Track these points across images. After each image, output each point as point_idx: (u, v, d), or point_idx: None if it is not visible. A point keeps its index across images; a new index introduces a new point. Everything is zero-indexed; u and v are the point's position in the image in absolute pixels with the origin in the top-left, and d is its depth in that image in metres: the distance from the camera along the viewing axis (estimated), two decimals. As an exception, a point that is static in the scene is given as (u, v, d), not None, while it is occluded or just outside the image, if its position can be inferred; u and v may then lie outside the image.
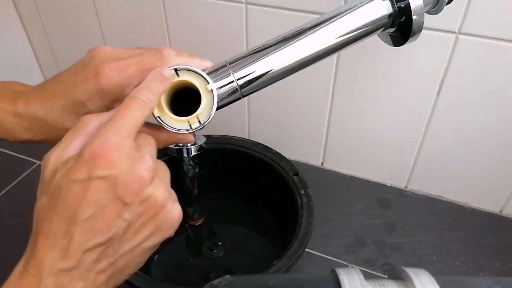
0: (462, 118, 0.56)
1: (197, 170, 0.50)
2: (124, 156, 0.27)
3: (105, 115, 0.30)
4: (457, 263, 0.55)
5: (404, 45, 0.52)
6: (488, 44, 0.49)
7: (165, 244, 0.58)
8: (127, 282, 0.41)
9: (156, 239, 0.30)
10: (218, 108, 0.36)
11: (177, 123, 0.34)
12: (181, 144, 0.46)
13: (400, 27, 0.41)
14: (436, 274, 0.21)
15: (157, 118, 0.34)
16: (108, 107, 0.35)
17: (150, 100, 0.30)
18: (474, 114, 0.55)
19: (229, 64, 0.36)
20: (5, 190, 0.67)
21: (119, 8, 0.67)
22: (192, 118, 0.34)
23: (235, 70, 0.36)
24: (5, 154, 0.73)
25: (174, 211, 0.30)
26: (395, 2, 0.38)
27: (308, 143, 0.69)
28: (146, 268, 0.54)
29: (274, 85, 0.64)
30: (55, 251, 0.26)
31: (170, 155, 0.55)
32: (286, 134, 0.69)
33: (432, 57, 0.52)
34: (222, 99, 0.36)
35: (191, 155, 0.47)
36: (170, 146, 0.47)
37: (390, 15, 0.39)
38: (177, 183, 0.58)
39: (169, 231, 0.31)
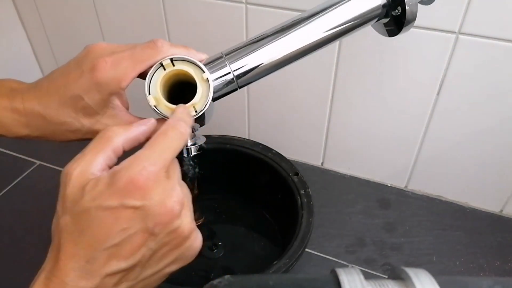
0: (462, 118, 0.56)
1: (197, 170, 0.50)
2: (158, 187, 0.27)
3: (132, 130, 0.31)
4: (457, 263, 0.55)
5: (404, 45, 0.53)
6: (488, 44, 0.49)
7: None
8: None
9: (176, 266, 0.31)
10: (215, 99, 0.36)
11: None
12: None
13: (394, 18, 0.41)
14: (436, 274, 0.21)
15: (153, 107, 0.34)
16: (105, 101, 0.35)
17: (187, 132, 0.31)
18: (474, 114, 0.55)
19: (225, 55, 0.36)
20: (5, 190, 0.67)
21: (119, 8, 0.67)
22: (188, 106, 0.34)
23: (231, 61, 0.36)
24: (5, 154, 0.73)
25: (197, 241, 0.31)
26: None
27: (308, 143, 0.69)
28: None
29: (274, 85, 0.64)
30: (77, 273, 0.26)
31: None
32: (286, 134, 0.69)
33: (432, 57, 0.52)
34: (219, 90, 0.36)
35: (191, 155, 0.47)
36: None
37: (384, 5, 0.39)
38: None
39: (190, 259, 0.31)
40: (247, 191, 0.61)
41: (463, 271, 0.55)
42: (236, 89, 0.37)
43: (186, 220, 0.29)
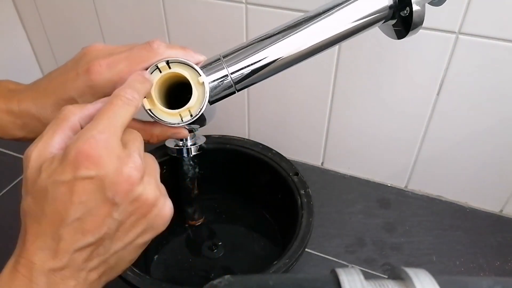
0: (462, 118, 0.56)
1: (197, 170, 0.50)
2: (111, 154, 0.27)
3: (88, 108, 0.30)
4: (457, 263, 0.55)
5: (404, 46, 0.52)
6: (488, 44, 0.49)
7: (165, 244, 0.58)
8: (127, 282, 0.41)
9: (148, 236, 0.30)
10: (212, 102, 0.36)
11: (168, 116, 0.34)
12: (181, 144, 0.46)
13: (401, 19, 0.40)
14: (436, 274, 0.21)
15: (148, 111, 0.33)
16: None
17: (135, 98, 0.30)
18: (474, 114, 0.55)
19: (223, 57, 0.36)
20: (5, 190, 0.67)
21: (119, 8, 0.67)
22: (183, 111, 0.34)
23: (229, 64, 0.35)
24: (5, 154, 0.73)
25: (166, 208, 0.30)
26: None
27: (308, 143, 0.69)
28: (146, 268, 0.54)
29: (274, 86, 0.64)
30: (45, 251, 0.26)
31: (170, 155, 0.55)
32: (286, 134, 0.69)
33: (432, 57, 0.52)
34: (216, 93, 0.36)
35: (191, 155, 0.47)
36: (169, 146, 0.47)
37: (390, 7, 0.38)
38: (177, 183, 0.58)
39: (161, 228, 0.31)
40: (247, 191, 0.61)
41: (463, 271, 0.55)
42: (234, 92, 0.36)
43: (150, 187, 0.28)
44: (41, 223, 0.26)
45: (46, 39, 0.78)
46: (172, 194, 0.59)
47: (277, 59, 0.36)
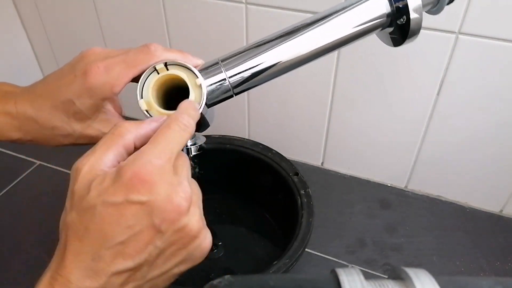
0: (462, 118, 0.56)
1: (197, 170, 0.50)
2: (164, 181, 0.26)
3: (143, 127, 0.30)
4: (457, 263, 0.55)
5: (404, 46, 0.52)
6: (488, 44, 0.49)
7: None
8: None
9: (184, 267, 0.30)
10: (210, 105, 0.36)
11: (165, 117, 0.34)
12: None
13: (398, 27, 0.40)
14: (436, 274, 0.21)
15: (145, 112, 0.33)
16: (97, 106, 0.35)
17: (191, 124, 0.30)
18: (474, 114, 0.55)
19: (221, 61, 0.36)
20: (5, 190, 0.67)
21: (119, 8, 0.67)
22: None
23: (227, 68, 0.35)
24: (5, 154, 0.73)
25: (206, 241, 0.30)
26: (393, 2, 0.38)
27: (308, 143, 0.69)
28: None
29: (275, 86, 0.64)
30: (83, 271, 0.26)
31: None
32: (286, 134, 0.69)
33: (432, 57, 0.52)
34: (214, 96, 0.36)
35: (191, 155, 0.47)
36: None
37: (388, 15, 0.38)
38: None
39: (199, 260, 0.30)
40: (247, 191, 0.61)
41: (463, 271, 0.55)
42: (231, 96, 0.36)
43: (195, 218, 0.28)
44: (83, 241, 0.26)
45: (46, 39, 0.78)
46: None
47: (275, 64, 0.36)
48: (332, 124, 0.65)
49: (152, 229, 0.26)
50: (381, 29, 0.40)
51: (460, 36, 0.49)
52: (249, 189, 0.60)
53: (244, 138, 0.58)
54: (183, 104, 0.32)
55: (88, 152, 0.28)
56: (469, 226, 0.60)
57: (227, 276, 0.22)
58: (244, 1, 0.57)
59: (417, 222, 0.61)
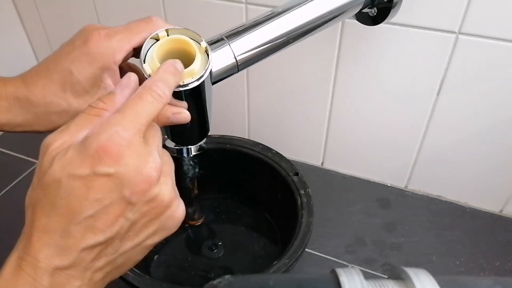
0: (462, 118, 0.56)
1: (197, 170, 0.50)
2: (132, 152, 0.25)
3: (119, 100, 0.28)
4: (457, 263, 0.55)
5: (404, 45, 0.53)
6: (488, 44, 0.49)
7: (165, 244, 0.58)
8: (127, 282, 0.41)
9: (158, 238, 0.29)
10: (214, 82, 0.35)
11: None
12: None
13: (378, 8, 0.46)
14: (436, 274, 0.21)
15: (148, 76, 0.31)
16: (96, 77, 0.34)
17: (166, 95, 0.28)
18: (474, 114, 0.55)
19: (225, 36, 0.36)
20: (5, 190, 0.67)
21: (119, 8, 0.67)
22: (185, 73, 0.31)
23: (231, 41, 0.36)
24: (5, 154, 0.73)
25: (179, 210, 0.29)
26: None
27: (308, 143, 0.69)
28: (146, 268, 0.54)
29: (274, 86, 0.64)
30: (51, 248, 0.25)
31: (170, 155, 0.55)
32: (286, 134, 0.69)
33: (432, 57, 0.52)
34: (219, 73, 0.36)
35: (191, 155, 0.47)
36: (169, 146, 0.47)
37: None
38: (177, 183, 0.58)
39: (173, 229, 0.30)
40: (247, 191, 0.61)
41: (463, 271, 0.55)
42: (236, 70, 0.36)
43: (166, 188, 0.27)
44: (50, 217, 0.25)
45: (46, 39, 0.78)
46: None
47: (274, 35, 0.38)
48: (332, 124, 0.65)
49: (122, 202, 0.25)
50: (362, 8, 0.45)
51: (460, 36, 0.49)
52: (249, 189, 0.60)
53: (244, 138, 0.58)
54: (162, 67, 0.30)
55: (62, 127, 0.27)
56: (469, 226, 0.60)
57: (227, 276, 0.22)
58: (244, 1, 0.57)
59: (417, 222, 0.61)
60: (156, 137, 0.28)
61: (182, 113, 0.33)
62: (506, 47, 0.48)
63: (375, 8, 0.47)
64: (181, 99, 0.33)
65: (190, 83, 0.31)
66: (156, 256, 0.56)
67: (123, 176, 0.25)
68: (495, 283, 0.20)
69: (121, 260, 0.28)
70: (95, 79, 0.34)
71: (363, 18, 0.49)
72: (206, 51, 0.32)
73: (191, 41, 0.32)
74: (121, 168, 0.25)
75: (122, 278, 0.41)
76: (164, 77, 0.29)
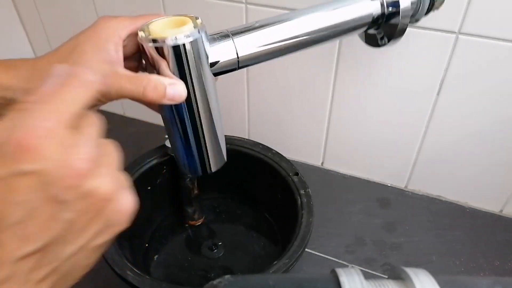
0: (462, 118, 0.56)
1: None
2: (55, 144, 0.22)
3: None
4: (457, 263, 0.55)
5: (404, 46, 0.52)
6: (488, 44, 0.49)
7: (165, 244, 0.58)
8: (127, 282, 0.41)
9: (107, 236, 0.26)
10: (216, 74, 0.37)
11: (163, 34, 0.33)
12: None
13: (385, 29, 0.45)
14: (436, 274, 0.21)
15: (140, 36, 0.34)
16: (99, 48, 0.35)
17: (93, 80, 0.25)
18: (474, 114, 0.55)
19: (231, 32, 0.38)
20: None
21: (119, 9, 0.67)
22: (179, 31, 0.33)
23: (235, 37, 0.37)
24: None
25: (126, 202, 0.26)
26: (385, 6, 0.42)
27: (308, 143, 0.69)
28: (146, 268, 0.54)
29: (275, 86, 0.64)
30: None
31: (170, 155, 0.55)
32: (286, 134, 0.69)
33: (432, 57, 0.52)
34: (221, 66, 0.37)
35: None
36: (169, 146, 0.47)
37: (378, 16, 0.43)
38: (177, 183, 0.58)
39: (123, 225, 0.26)
40: (247, 191, 0.61)
41: (463, 271, 0.55)
42: (236, 67, 0.38)
43: (104, 180, 0.24)
44: None
45: (46, 39, 0.78)
46: (172, 194, 0.60)
47: (277, 39, 0.39)
48: (332, 124, 0.65)
49: (50, 202, 0.22)
50: (368, 29, 0.44)
51: (460, 36, 0.49)
52: (249, 189, 0.60)
53: (244, 138, 0.58)
54: (93, 59, 0.31)
55: None
56: (469, 226, 0.60)
57: (227, 276, 0.22)
58: (244, 1, 0.57)
59: (417, 222, 0.61)
60: (90, 126, 0.25)
61: (177, 84, 0.33)
62: (506, 47, 0.48)
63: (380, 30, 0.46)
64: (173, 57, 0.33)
65: (180, 38, 0.32)
66: (156, 256, 0.56)
67: (46, 172, 0.22)
68: (495, 283, 0.20)
69: (67, 267, 0.25)
70: (98, 49, 0.35)
71: (370, 39, 0.49)
72: (202, 26, 0.35)
73: (188, 18, 0.36)
74: (42, 164, 0.21)
75: (122, 278, 0.41)
76: (94, 65, 0.30)
